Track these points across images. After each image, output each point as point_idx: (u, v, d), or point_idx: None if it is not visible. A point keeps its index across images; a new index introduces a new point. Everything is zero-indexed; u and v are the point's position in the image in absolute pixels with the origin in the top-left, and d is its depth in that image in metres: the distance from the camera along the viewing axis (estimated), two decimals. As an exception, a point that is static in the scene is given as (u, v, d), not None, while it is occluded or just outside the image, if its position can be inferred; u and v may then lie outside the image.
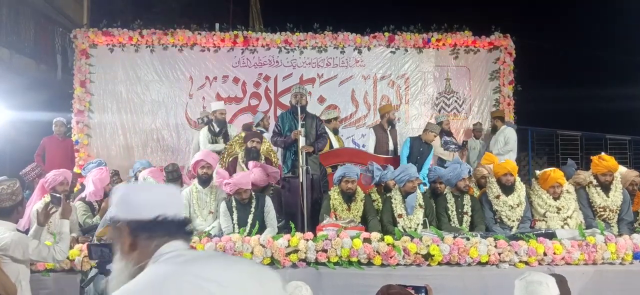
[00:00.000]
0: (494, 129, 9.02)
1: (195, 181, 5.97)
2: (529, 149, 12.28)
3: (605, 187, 5.96)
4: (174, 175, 6.36)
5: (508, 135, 8.74)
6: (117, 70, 9.86)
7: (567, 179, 6.08)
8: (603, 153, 6.06)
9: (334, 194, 5.85)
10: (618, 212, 5.94)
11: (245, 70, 10.08)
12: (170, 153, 9.61)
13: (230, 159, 6.79)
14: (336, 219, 5.51)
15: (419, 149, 7.63)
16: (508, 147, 8.68)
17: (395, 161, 7.49)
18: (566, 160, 7.93)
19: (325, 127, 7.19)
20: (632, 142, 12.27)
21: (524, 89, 10.06)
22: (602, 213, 5.91)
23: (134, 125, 9.81)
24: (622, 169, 6.20)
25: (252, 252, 4.91)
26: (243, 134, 7.20)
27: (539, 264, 5.02)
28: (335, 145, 7.82)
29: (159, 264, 1.49)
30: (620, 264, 5.11)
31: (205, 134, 7.82)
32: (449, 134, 8.79)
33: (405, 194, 5.77)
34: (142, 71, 9.90)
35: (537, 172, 6.05)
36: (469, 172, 6.15)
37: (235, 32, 9.93)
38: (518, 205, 5.85)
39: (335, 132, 8.16)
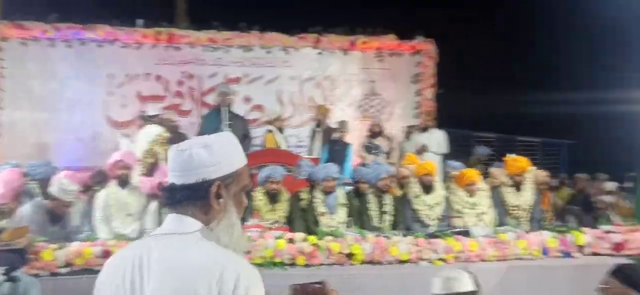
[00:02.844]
0: (424, 130, 9.17)
1: (114, 182, 5.72)
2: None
3: (518, 187, 6.20)
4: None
5: (440, 137, 8.94)
6: (31, 66, 9.38)
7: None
8: (514, 155, 6.34)
9: (258, 195, 5.81)
10: (530, 210, 6.19)
11: (169, 68, 9.85)
12: (88, 153, 9.18)
13: (152, 161, 6.54)
14: (260, 220, 5.48)
15: (334, 149, 7.69)
16: (442, 148, 8.88)
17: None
18: (482, 162, 8.23)
19: (250, 129, 7.15)
20: (542, 145, 12.80)
21: (445, 92, 10.35)
22: (514, 211, 6.17)
23: (49, 123, 9.36)
24: (533, 169, 6.49)
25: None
26: (166, 135, 6.95)
27: (456, 260, 5.14)
28: (283, 145, 7.90)
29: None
30: (530, 259, 5.32)
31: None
32: (377, 135, 8.83)
33: (326, 194, 5.82)
34: (58, 67, 9.45)
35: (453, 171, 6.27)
36: (388, 172, 6.23)
37: (159, 28, 9.67)
38: (437, 205, 6.06)
39: (281, 130, 8.18)
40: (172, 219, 1.50)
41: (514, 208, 6.16)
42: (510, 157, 6.28)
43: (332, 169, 5.88)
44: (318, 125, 8.29)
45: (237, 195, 1.53)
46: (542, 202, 6.42)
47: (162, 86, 9.91)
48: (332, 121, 8.88)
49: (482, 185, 6.22)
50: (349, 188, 6.27)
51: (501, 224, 5.95)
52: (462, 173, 6.18)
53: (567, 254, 5.43)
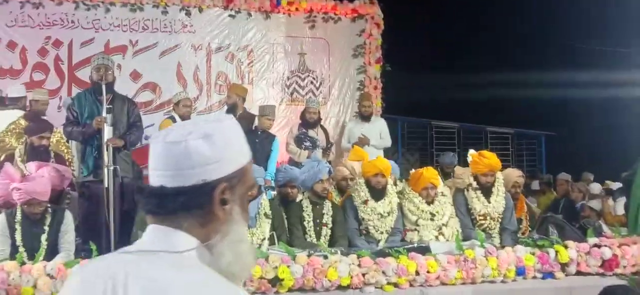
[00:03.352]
0: (364, 118, 9.25)
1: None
2: (399, 144, 12.72)
3: (487, 191, 6.29)
4: None
5: (383, 127, 9.03)
6: None
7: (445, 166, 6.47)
8: (481, 150, 6.47)
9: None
10: (500, 219, 6.31)
11: (26, 32, 9.61)
12: None
13: (2, 156, 6.29)
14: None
15: (254, 142, 7.59)
16: (385, 141, 9.02)
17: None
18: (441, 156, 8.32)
19: (138, 114, 7.00)
20: (516, 136, 13.14)
21: (394, 71, 10.46)
22: (483, 222, 6.26)
23: None
24: (508, 170, 6.70)
25: (34, 286, 4.63)
26: (23, 123, 6.69)
27: (411, 285, 5.18)
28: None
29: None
30: (502, 281, 5.44)
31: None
32: (311, 124, 8.74)
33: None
34: None
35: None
36: (330, 171, 6.27)
37: (11, -22, 9.31)
38: (389, 214, 6.09)
39: (183, 117, 8.06)
40: (158, 232, 1.49)
41: (483, 217, 6.26)
42: (477, 154, 6.33)
43: (257, 172, 5.86)
44: (232, 111, 8.18)
45: (243, 200, 1.55)
46: (517, 209, 6.54)
47: (17, 56, 9.58)
48: (251, 105, 8.85)
49: (443, 189, 6.30)
50: (274, 193, 6.29)
51: (467, 237, 5.99)
52: (417, 173, 6.21)
53: (547, 274, 5.59)
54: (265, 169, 7.11)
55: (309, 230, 6.03)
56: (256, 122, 8.17)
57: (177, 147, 1.48)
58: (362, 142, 8.70)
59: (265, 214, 5.80)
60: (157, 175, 1.51)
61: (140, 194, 1.51)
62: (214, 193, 1.48)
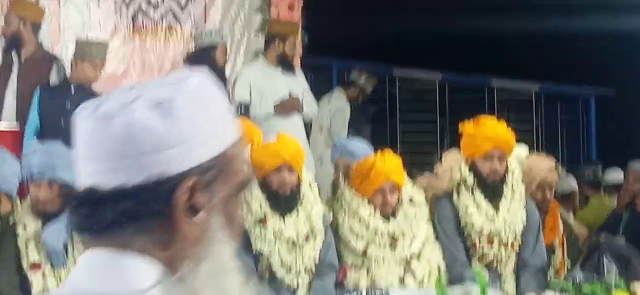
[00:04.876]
0: (281, 63, 6.93)
1: None
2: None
3: (493, 193, 4.94)
4: None
5: (302, 81, 7.02)
6: None
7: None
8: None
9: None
10: (517, 246, 4.99)
11: None
12: None
13: None
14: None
15: (64, 107, 6.10)
16: (309, 107, 7.04)
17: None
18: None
19: None
20: (543, 96, 11.18)
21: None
22: (486, 249, 5.00)
23: None
24: (523, 151, 5.42)
25: None
26: None
27: None
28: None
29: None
30: None
31: None
32: (221, 75, 6.66)
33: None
34: None
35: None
36: None
37: None
38: (309, 239, 4.75)
39: None
40: (99, 261, 1.18)
41: (487, 241, 4.95)
42: (472, 123, 5.02)
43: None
44: (13, 48, 6.55)
45: (229, 205, 1.21)
46: (547, 227, 5.28)
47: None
48: (57, 41, 7.11)
49: (413, 192, 4.96)
50: None
51: (456, 279, 4.79)
52: (365, 164, 4.88)
53: None
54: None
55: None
56: (68, 71, 6.40)
57: (114, 124, 1.16)
58: (289, 106, 6.73)
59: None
60: (87, 172, 1.20)
61: (68, 202, 1.24)
62: (176, 195, 1.13)
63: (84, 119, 1.17)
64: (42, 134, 5.94)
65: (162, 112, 1.13)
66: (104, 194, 1.13)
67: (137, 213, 1.13)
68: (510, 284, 4.91)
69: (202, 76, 1.23)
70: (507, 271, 4.98)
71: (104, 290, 1.12)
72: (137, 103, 1.15)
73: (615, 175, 7.93)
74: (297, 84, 6.97)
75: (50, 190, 4.41)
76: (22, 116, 6.35)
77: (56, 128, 5.84)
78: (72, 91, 6.24)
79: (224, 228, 1.22)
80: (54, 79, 6.52)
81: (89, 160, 1.18)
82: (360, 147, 5.74)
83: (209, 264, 1.18)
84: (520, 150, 5.44)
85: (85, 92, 6.11)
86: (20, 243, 4.59)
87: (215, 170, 1.18)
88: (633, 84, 10.46)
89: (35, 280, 4.49)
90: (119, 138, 1.14)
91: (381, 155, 4.82)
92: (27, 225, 4.59)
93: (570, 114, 11.46)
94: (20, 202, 4.74)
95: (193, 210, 1.14)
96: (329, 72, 10.15)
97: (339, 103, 7.92)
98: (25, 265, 4.45)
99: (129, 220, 1.13)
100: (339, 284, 4.73)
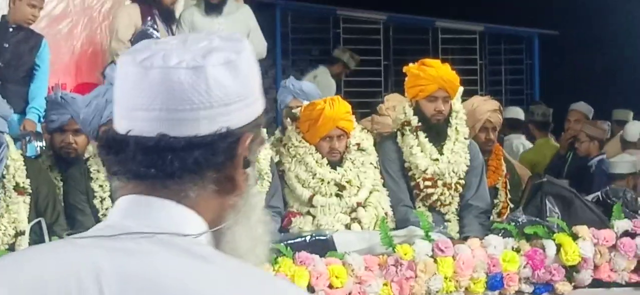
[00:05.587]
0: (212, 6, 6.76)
1: None
2: (278, 52, 10.34)
3: (437, 134, 5.06)
4: None
5: (250, 19, 6.90)
6: None
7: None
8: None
9: None
10: (460, 188, 5.12)
11: None
12: None
13: None
14: None
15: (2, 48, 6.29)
16: (256, 48, 6.84)
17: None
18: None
19: None
20: (487, 36, 11.31)
21: None
22: (430, 191, 5.08)
23: None
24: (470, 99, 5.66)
25: None
26: None
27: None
28: None
29: None
30: None
31: None
32: (169, 16, 6.63)
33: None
34: None
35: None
36: None
37: None
38: (261, 178, 4.93)
39: None
40: (149, 207, 1.22)
41: (430, 183, 5.05)
42: (416, 65, 5.13)
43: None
44: None
45: (254, 162, 1.34)
46: (491, 169, 5.42)
47: None
48: None
49: (361, 136, 5.04)
50: (40, 146, 5.50)
51: (401, 221, 4.88)
52: (312, 109, 4.94)
53: (542, 287, 4.55)
54: (25, 101, 6.04)
55: (105, 212, 4.83)
56: (4, 9, 6.28)
57: (188, 75, 1.21)
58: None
59: (21, 186, 4.69)
60: (149, 119, 1.21)
61: (111, 147, 1.22)
62: (238, 148, 1.24)
63: (150, 68, 1.20)
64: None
65: (231, 69, 1.21)
66: (173, 142, 1.18)
67: (204, 163, 1.19)
68: (454, 226, 5.01)
69: (248, 42, 1.32)
70: (451, 213, 5.10)
71: (154, 229, 1.17)
72: (211, 58, 1.21)
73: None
74: (240, 24, 6.80)
75: None
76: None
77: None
78: (10, 30, 6.25)
79: (256, 182, 1.36)
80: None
81: (156, 108, 1.20)
82: (314, 89, 5.80)
83: (248, 212, 1.28)
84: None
85: (26, 34, 6.26)
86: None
87: (258, 128, 1.30)
88: (576, 25, 10.57)
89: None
90: (193, 90, 1.19)
91: (330, 101, 4.86)
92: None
93: (514, 54, 11.62)
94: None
95: (247, 162, 1.24)
96: (273, 11, 10.03)
97: (325, 81, 8.04)
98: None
99: (194, 171, 1.18)
100: (283, 229, 4.81)
